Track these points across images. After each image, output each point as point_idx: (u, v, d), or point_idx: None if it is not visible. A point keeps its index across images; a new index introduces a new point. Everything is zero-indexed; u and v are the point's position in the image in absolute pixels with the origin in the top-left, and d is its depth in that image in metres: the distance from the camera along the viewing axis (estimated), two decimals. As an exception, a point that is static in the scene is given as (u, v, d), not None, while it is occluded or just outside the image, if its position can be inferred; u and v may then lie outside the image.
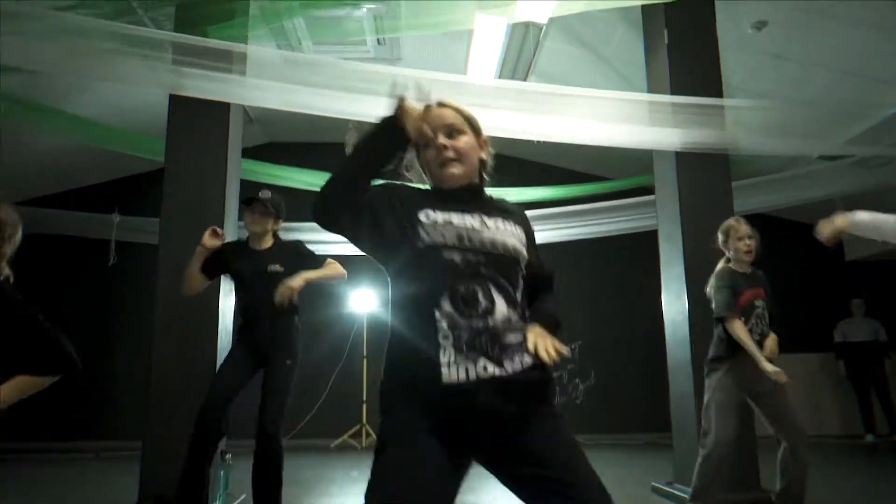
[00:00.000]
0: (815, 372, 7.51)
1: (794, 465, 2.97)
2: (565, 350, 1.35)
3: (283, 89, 3.46)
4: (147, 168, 6.68)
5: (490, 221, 1.46)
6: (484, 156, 1.57)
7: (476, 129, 1.57)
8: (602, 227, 6.37)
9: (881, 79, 5.05)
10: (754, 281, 3.19)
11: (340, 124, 5.06)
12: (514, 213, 1.55)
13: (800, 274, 7.58)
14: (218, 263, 3.17)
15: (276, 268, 3.16)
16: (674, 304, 4.25)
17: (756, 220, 4.16)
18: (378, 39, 5.17)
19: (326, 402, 7.02)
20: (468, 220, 1.44)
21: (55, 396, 6.71)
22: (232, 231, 4.06)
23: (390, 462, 1.29)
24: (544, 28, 5.09)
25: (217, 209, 3.95)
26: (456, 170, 1.50)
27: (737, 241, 3.20)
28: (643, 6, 4.57)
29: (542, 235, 6.50)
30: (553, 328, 1.42)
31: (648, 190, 5.27)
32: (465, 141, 1.52)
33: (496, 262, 1.41)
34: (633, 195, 6.27)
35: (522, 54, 5.36)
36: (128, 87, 5.51)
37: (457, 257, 1.39)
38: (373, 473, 1.29)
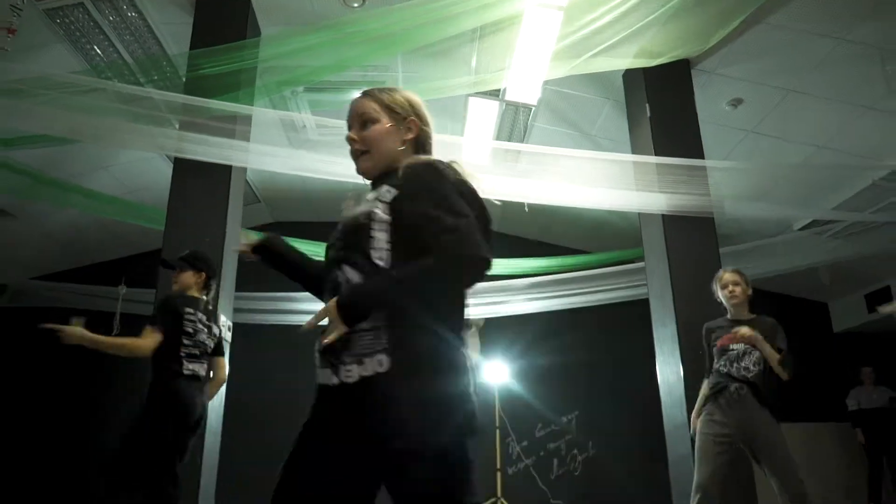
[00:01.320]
0: (825, 442, 7.32)
1: None
2: (337, 335, 1.16)
3: (285, 153, 3.63)
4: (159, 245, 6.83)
5: (363, 203, 1.33)
6: (409, 137, 1.40)
7: (396, 112, 1.40)
8: (596, 297, 6.50)
9: (855, 153, 5.31)
10: (745, 326, 3.12)
11: (341, 201, 5.29)
12: (397, 179, 1.30)
13: (789, 347, 7.54)
14: None
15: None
16: (668, 365, 4.28)
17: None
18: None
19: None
20: (351, 210, 1.34)
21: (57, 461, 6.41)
22: (229, 297, 4.03)
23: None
24: (533, 110, 5.44)
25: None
26: (364, 163, 1.39)
27: (720, 290, 3.27)
28: (626, 85, 4.91)
29: (539, 305, 6.67)
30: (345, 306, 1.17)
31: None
32: (375, 129, 1.38)
33: (344, 239, 1.31)
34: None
35: (513, 135, 5.69)
36: (137, 166, 5.79)
37: (331, 252, 1.34)
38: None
